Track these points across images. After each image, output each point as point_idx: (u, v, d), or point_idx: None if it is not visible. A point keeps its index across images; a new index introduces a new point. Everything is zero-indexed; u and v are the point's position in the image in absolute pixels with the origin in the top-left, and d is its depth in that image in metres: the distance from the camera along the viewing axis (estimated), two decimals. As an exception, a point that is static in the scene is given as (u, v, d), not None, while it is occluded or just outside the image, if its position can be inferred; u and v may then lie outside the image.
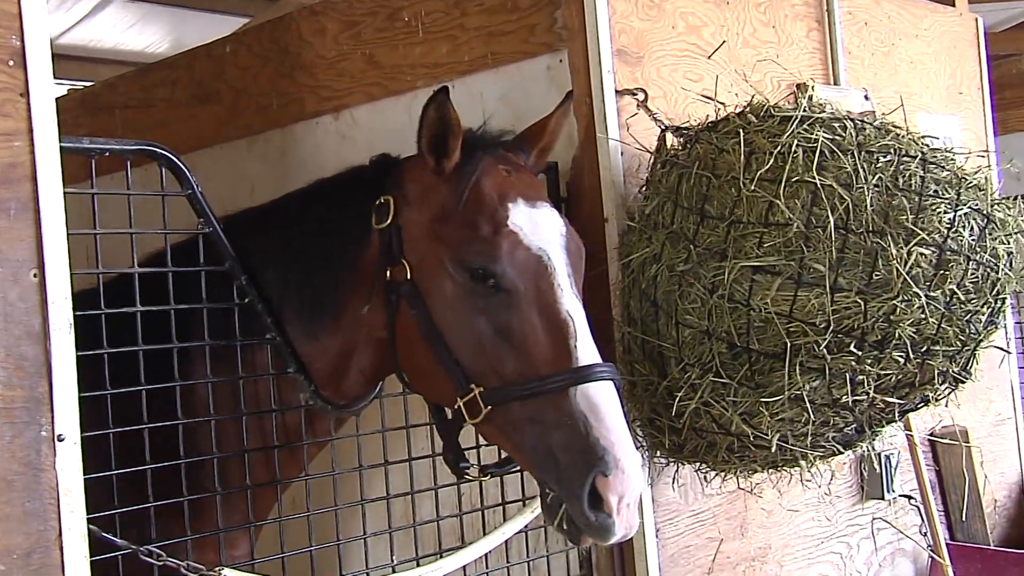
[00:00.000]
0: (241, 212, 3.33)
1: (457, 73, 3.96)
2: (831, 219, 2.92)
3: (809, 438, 3.02)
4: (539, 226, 2.93)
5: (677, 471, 3.59)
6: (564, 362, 2.78)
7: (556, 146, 3.33)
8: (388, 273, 3.01)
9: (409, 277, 2.97)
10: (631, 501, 2.69)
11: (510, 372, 2.82)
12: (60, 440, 2.37)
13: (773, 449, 3.03)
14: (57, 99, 2.48)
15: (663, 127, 3.56)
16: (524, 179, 3.07)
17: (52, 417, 2.36)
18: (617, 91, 3.62)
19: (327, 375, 3.18)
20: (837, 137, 3.06)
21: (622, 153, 3.60)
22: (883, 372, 2.91)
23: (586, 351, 2.81)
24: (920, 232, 2.91)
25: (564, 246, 2.96)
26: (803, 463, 3.16)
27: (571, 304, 2.86)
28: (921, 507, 4.51)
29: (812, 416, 2.95)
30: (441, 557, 3.26)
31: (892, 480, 4.37)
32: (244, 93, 4.71)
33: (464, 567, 3.32)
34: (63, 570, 2.35)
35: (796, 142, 3.02)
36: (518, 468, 3.24)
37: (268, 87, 4.60)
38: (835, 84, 4.38)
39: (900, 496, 4.47)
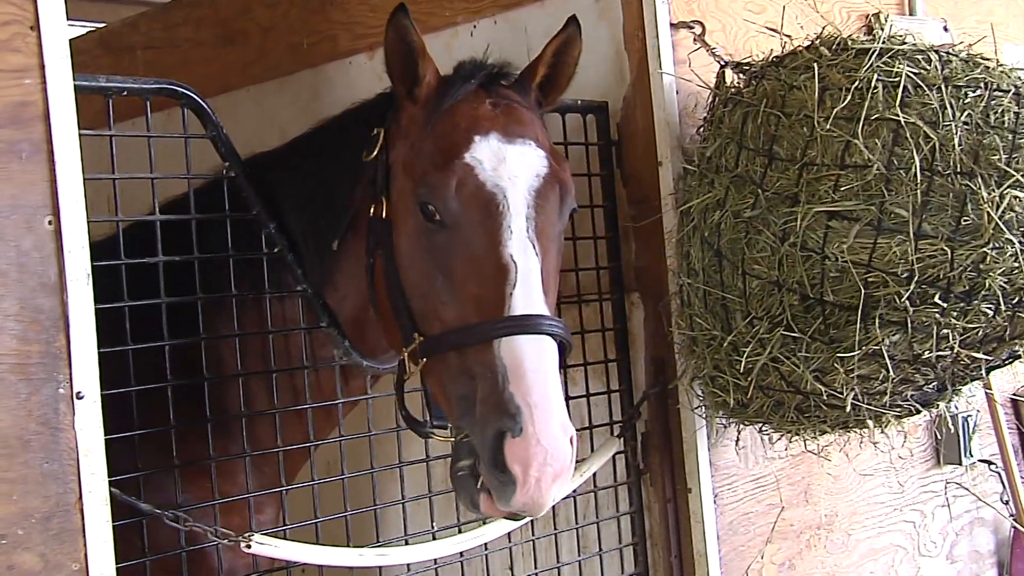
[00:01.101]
0: (258, 154, 3.23)
1: (499, 7, 3.88)
2: (916, 160, 2.81)
3: (887, 397, 2.93)
4: (505, 163, 2.74)
5: (739, 433, 3.49)
6: (495, 310, 2.61)
7: (568, 82, 3.08)
8: (372, 210, 2.90)
9: (385, 215, 2.86)
10: (540, 475, 2.46)
11: (448, 319, 2.68)
12: (79, 398, 2.31)
13: (847, 409, 2.94)
14: (74, 39, 2.39)
15: (723, 63, 3.46)
16: (513, 115, 2.87)
17: (70, 373, 2.30)
18: (672, 24, 3.53)
19: (350, 326, 3.09)
20: (921, 71, 2.94)
21: (677, 91, 3.52)
22: (969, 325, 2.81)
23: (524, 301, 2.61)
24: (1014, 173, 2.80)
25: (533, 188, 2.75)
26: (878, 424, 3.04)
27: (519, 248, 2.66)
28: (1002, 473, 4.41)
29: (891, 373, 2.86)
30: (484, 523, 3.17)
31: (970, 443, 4.27)
32: (273, 32, 4.63)
33: (508, 534, 3.25)
34: (84, 535, 2.31)
35: (876, 76, 2.91)
36: None
37: (298, 25, 4.51)
38: (911, 14, 4.25)
39: (979, 461, 4.37)
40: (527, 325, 2.58)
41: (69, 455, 2.29)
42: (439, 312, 2.71)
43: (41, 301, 2.28)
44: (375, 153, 2.91)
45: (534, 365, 2.54)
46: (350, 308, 3.08)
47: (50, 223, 2.30)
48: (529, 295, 2.62)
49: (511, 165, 2.74)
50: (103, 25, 5.58)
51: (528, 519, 2.78)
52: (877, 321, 2.81)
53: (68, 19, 2.37)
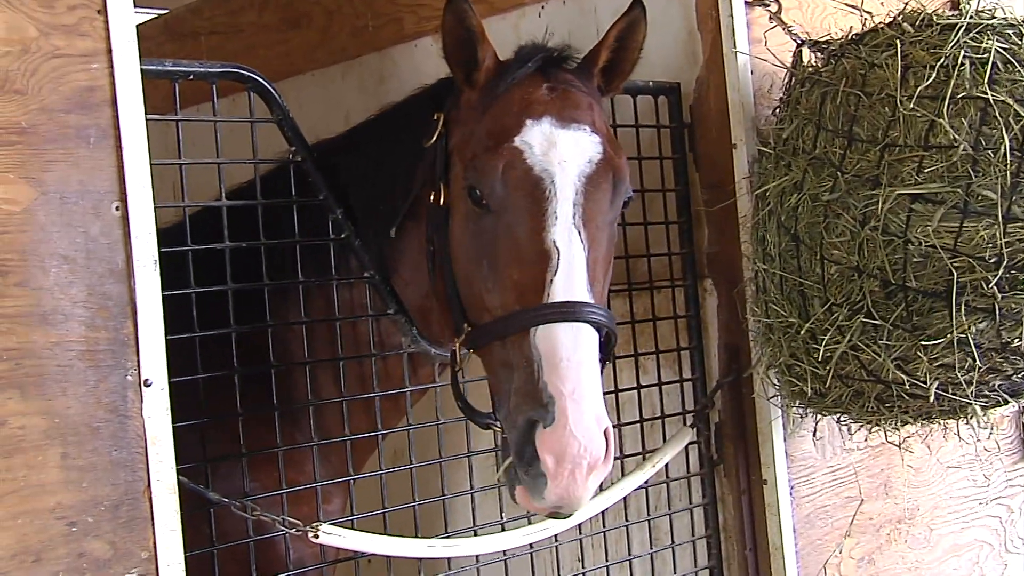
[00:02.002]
0: (323, 140, 3.23)
1: (568, -13, 3.83)
2: (1005, 139, 2.74)
3: (973, 386, 2.86)
4: (556, 147, 2.71)
5: (816, 423, 3.44)
6: (534, 298, 2.57)
7: (632, 67, 3.04)
8: (431, 197, 2.87)
9: (442, 202, 2.83)
10: (574, 467, 2.41)
11: (492, 307, 2.66)
12: (147, 385, 2.33)
13: (931, 399, 2.88)
14: (138, 25, 2.41)
15: (799, 41, 3.41)
16: (569, 100, 2.83)
17: (138, 360, 2.33)
18: (747, 2, 3.48)
19: (415, 314, 3.09)
20: (1011, 46, 2.87)
21: (752, 71, 3.48)
22: (1062, 312, 2.74)
23: (565, 288, 2.56)
24: (1110, 152, 2.72)
25: (584, 173, 2.71)
26: (963, 415, 2.97)
27: (563, 235, 2.62)
28: (1094, 466, 4.29)
29: (978, 362, 2.80)
30: (553, 515, 3.17)
31: (1060, 436, 4.16)
32: (337, 15, 4.64)
33: (579, 526, 3.24)
34: (152, 524, 2.33)
35: (962, 53, 2.85)
36: None
37: (363, 7, 4.52)
38: (998, -13, 4.11)
39: (1069, 454, 4.26)
40: (565, 312, 2.53)
41: (137, 443, 2.31)
42: (484, 300, 2.69)
43: (109, 287, 2.30)
44: (434, 139, 2.90)
45: (569, 354, 2.49)
46: (413, 296, 3.08)
47: (117, 209, 2.32)
48: (570, 282, 2.57)
49: (562, 149, 2.71)
50: (167, 11, 5.65)
51: (568, 517, 2.70)
52: (963, 308, 2.76)
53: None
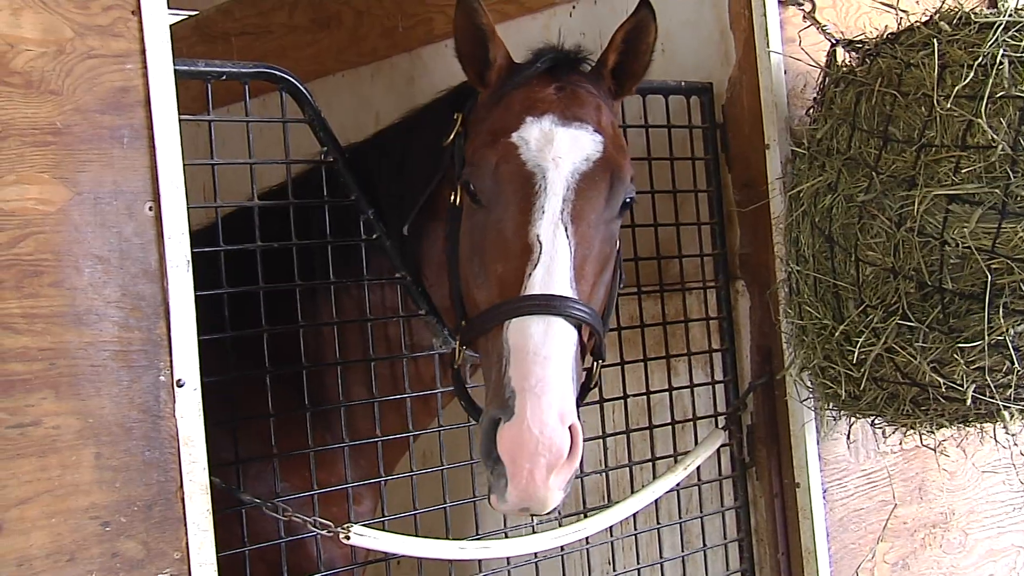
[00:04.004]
0: (356, 143, 3.24)
1: (599, -13, 3.82)
2: (1045, 139, 2.71)
3: (1011, 390, 2.84)
4: (552, 144, 2.70)
5: (850, 426, 3.41)
6: (512, 291, 2.55)
7: (643, 69, 2.99)
8: (451, 196, 2.87)
9: (457, 201, 2.84)
10: (532, 465, 2.35)
11: (480, 302, 2.66)
12: (180, 385, 2.34)
13: (967, 402, 2.85)
14: (170, 26, 2.40)
15: (834, 41, 3.39)
16: (575, 99, 2.82)
17: (171, 361, 2.34)
18: (780, 1, 3.45)
19: (443, 313, 3.09)
20: (1051, 45, 2.82)
21: (785, 71, 3.45)
22: (1103, 315, 2.70)
23: (543, 282, 2.54)
24: None
25: (579, 170, 2.70)
26: (1001, 418, 2.94)
27: (547, 230, 2.61)
28: None
29: (1016, 364, 2.77)
30: (585, 517, 3.16)
31: (1098, 440, 4.10)
32: (367, 16, 4.65)
33: (610, 529, 3.22)
34: (185, 524, 2.34)
35: (1001, 52, 2.81)
36: None
37: (393, 9, 4.53)
38: (1036, -15, 4.07)
39: (1109, 459, 4.21)
40: (538, 305, 2.50)
41: (170, 443, 2.32)
42: (475, 296, 2.69)
43: (142, 288, 2.31)
44: (451, 138, 2.90)
45: (536, 347, 2.44)
46: (439, 296, 3.08)
47: (151, 209, 2.33)
48: (550, 276, 2.55)
49: (558, 146, 2.70)
50: (197, 13, 5.68)
51: (540, 514, 2.59)
52: (1001, 310, 2.73)
53: (166, 5, 2.40)
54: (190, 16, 5.68)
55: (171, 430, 2.32)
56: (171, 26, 2.44)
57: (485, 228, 2.68)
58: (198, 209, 2.62)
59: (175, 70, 2.38)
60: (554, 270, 2.56)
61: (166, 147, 2.34)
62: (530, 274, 2.55)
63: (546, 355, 2.45)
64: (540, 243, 2.59)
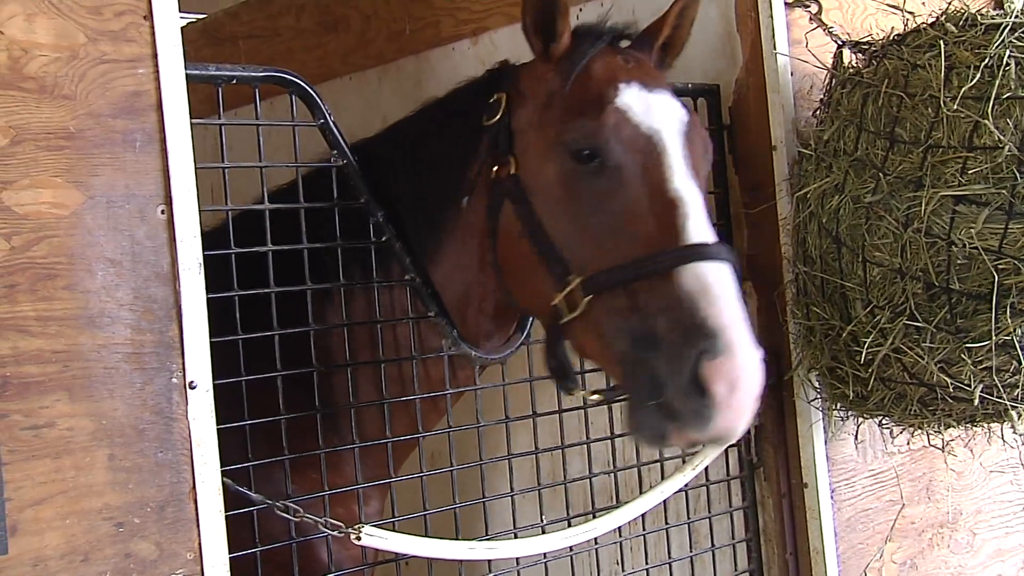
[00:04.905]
0: (361, 141, 3.25)
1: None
2: (1052, 140, 2.72)
3: (1018, 390, 2.85)
4: (652, 108, 2.85)
5: (858, 426, 3.42)
6: (671, 240, 2.66)
7: (684, 43, 3.17)
8: (494, 171, 2.97)
9: (513, 172, 2.93)
10: (744, 394, 2.49)
11: (612, 255, 2.72)
12: (192, 387, 2.36)
13: (975, 402, 2.86)
14: (178, 29, 2.42)
15: (840, 42, 3.41)
16: (644, 69, 2.99)
17: (183, 363, 2.35)
18: (787, 3, 3.47)
19: (454, 309, 3.12)
20: (1059, 46, 2.84)
21: (792, 73, 3.47)
22: (1109, 315, 2.71)
23: (698, 231, 2.68)
24: None
25: (683, 132, 2.86)
26: (1009, 418, 2.95)
27: (683, 183, 2.75)
28: None
29: (1023, 364, 2.77)
30: (594, 517, 3.17)
31: (1106, 439, 4.11)
32: (374, 18, 4.65)
33: (618, 529, 3.23)
34: (198, 524, 2.35)
35: (1007, 53, 2.83)
36: None
37: (400, 11, 4.53)
38: (1042, -14, 4.08)
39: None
40: (708, 253, 2.63)
41: (183, 444, 2.34)
42: (598, 250, 2.75)
43: (154, 290, 2.32)
44: (498, 117, 2.99)
45: (722, 290, 2.58)
46: (452, 294, 3.10)
47: (163, 212, 2.34)
48: (701, 226, 2.69)
49: (657, 111, 2.85)
50: (205, 16, 5.70)
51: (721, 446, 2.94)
52: (1008, 310, 2.74)
53: (176, 9, 2.42)
54: (197, 19, 5.69)
55: (183, 432, 2.34)
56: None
57: (613, 188, 2.76)
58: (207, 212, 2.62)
59: (186, 74, 2.40)
60: (701, 221, 2.71)
61: (178, 151, 2.36)
62: (685, 225, 2.67)
63: (731, 296, 2.59)
64: (683, 197, 2.72)
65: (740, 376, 2.48)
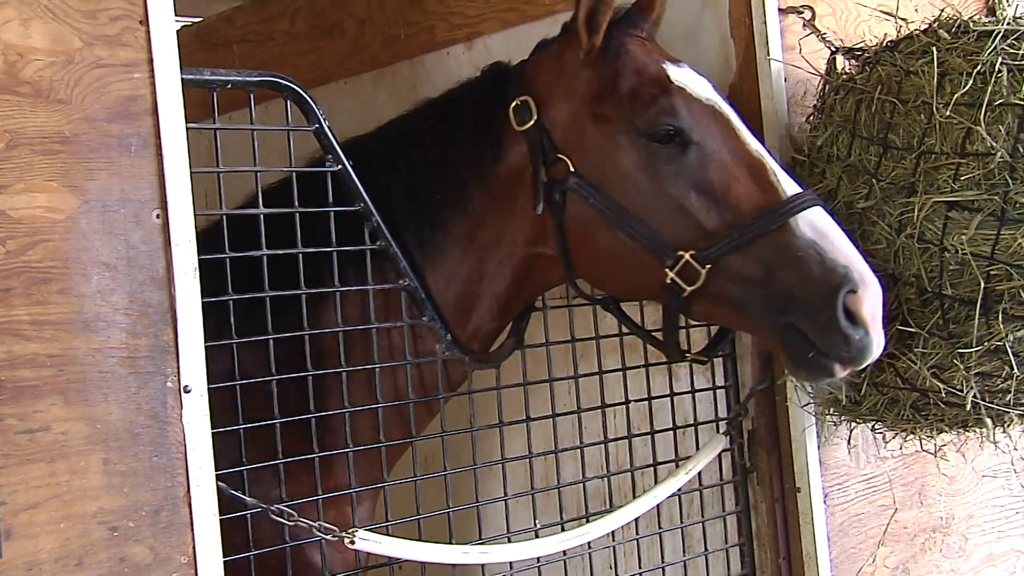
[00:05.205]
0: (350, 141, 3.24)
1: (601, -6, 3.81)
2: (1043, 146, 2.73)
3: (1010, 395, 2.86)
4: (699, 82, 3.03)
5: (851, 431, 3.43)
6: (772, 197, 2.83)
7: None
8: (544, 174, 3.02)
9: (573, 170, 2.97)
10: (879, 316, 2.73)
11: (718, 225, 2.85)
12: (187, 391, 2.36)
13: (967, 407, 2.88)
14: (172, 33, 2.43)
15: (834, 48, 3.40)
16: (660, 47, 3.14)
17: (178, 367, 2.35)
18: (780, 9, 3.47)
19: (453, 312, 3.13)
20: (1050, 52, 2.84)
21: (786, 79, 3.46)
22: (1100, 321, 2.72)
23: (788, 183, 2.86)
24: None
25: (725, 98, 3.06)
26: (999, 423, 2.96)
27: (756, 145, 2.95)
28: None
29: (1015, 370, 2.80)
30: (587, 522, 3.19)
31: (1097, 444, 4.12)
32: (369, 23, 4.65)
33: (612, 533, 3.24)
34: (192, 528, 2.35)
35: (999, 60, 2.84)
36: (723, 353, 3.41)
37: (395, 16, 4.53)
38: (1033, -6, 4.10)
39: (1109, 464, 4.22)
40: (807, 201, 2.81)
41: (177, 449, 2.34)
42: (703, 224, 2.87)
43: (149, 295, 2.33)
44: (532, 122, 3.03)
45: (835, 230, 2.78)
46: (460, 288, 3.13)
47: (158, 217, 2.34)
48: (787, 179, 2.89)
49: (702, 84, 3.03)
50: (199, 20, 5.70)
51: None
52: (1000, 316, 2.75)
53: (172, 14, 2.42)
54: (191, 23, 5.69)
55: (178, 436, 2.34)
56: (174, 34, 2.46)
57: (703, 161, 2.90)
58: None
59: (182, 79, 2.40)
60: (785, 174, 2.90)
61: (173, 155, 2.36)
62: (778, 180, 2.86)
63: (842, 232, 2.80)
64: (764, 156, 2.92)
65: (878, 300, 2.72)
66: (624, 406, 3.41)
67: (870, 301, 2.69)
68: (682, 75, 3.00)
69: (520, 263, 3.13)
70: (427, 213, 3.11)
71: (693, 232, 2.86)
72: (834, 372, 2.77)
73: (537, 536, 3.15)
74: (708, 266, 2.82)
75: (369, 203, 2.94)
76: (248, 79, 2.74)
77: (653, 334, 3.21)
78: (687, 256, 2.84)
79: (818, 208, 2.81)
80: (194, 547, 2.34)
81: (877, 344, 2.71)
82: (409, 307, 3.07)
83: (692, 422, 3.50)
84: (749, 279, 2.81)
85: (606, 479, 3.38)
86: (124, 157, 2.31)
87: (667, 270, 2.87)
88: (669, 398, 3.49)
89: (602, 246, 2.99)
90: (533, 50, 3.25)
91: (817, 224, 2.78)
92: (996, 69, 2.83)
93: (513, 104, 3.06)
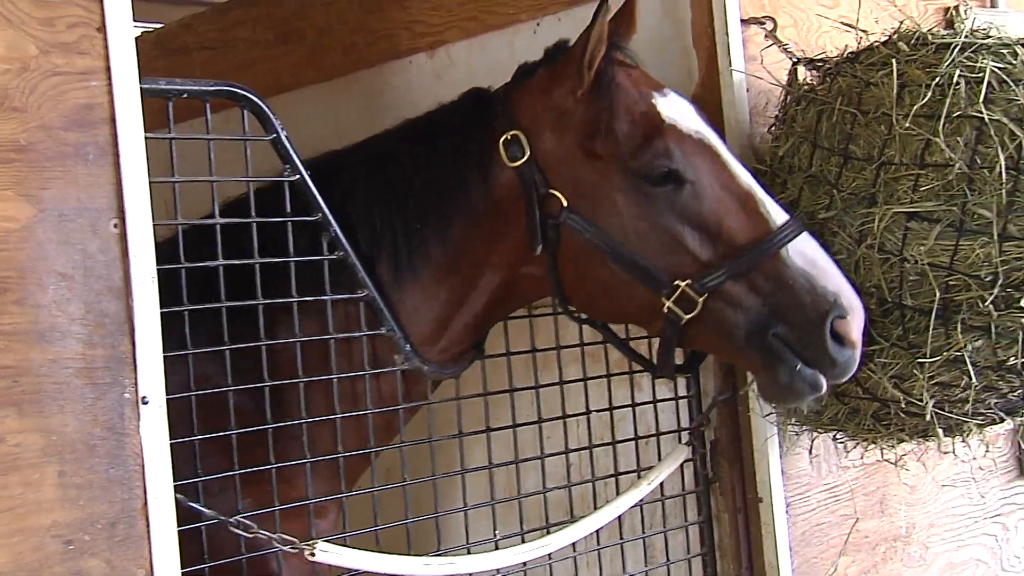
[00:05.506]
0: (324, 156, 3.25)
1: (563, 4, 3.86)
2: (1000, 158, 2.77)
3: (969, 405, 2.90)
4: (683, 112, 3.06)
5: (812, 441, 3.46)
6: (764, 227, 2.91)
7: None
8: (537, 210, 3.03)
9: (567, 205, 2.99)
10: (861, 335, 2.85)
11: (712, 257, 2.93)
12: (144, 403, 2.34)
13: (927, 417, 2.91)
14: (131, 41, 2.42)
15: (795, 59, 3.44)
16: (639, 72, 3.14)
17: (136, 378, 2.34)
18: (743, 20, 3.51)
19: (427, 330, 3.13)
20: (1006, 65, 2.89)
21: (748, 89, 3.50)
22: (1058, 331, 2.76)
23: (777, 212, 2.94)
24: (1106, 172, 2.75)
25: (707, 123, 3.08)
26: (959, 433, 3.00)
27: (744, 175, 3.00)
28: (1092, 486, 4.31)
29: (973, 380, 2.84)
30: (548, 533, 3.19)
31: (1056, 454, 4.18)
32: (329, 31, 4.65)
33: (573, 544, 3.25)
34: (149, 541, 2.33)
35: (957, 72, 2.88)
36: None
37: (356, 24, 4.53)
38: (992, 6, 4.19)
39: (1066, 472, 4.28)
40: (795, 229, 2.91)
41: (135, 460, 2.32)
42: (697, 256, 2.94)
43: (106, 305, 2.31)
44: (525, 158, 3.03)
45: (822, 256, 2.89)
46: (437, 310, 3.14)
47: (116, 226, 2.33)
48: (775, 207, 2.96)
49: (687, 116, 3.06)
50: (159, 26, 5.67)
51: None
52: (959, 326, 2.79)
53: (128, 21, 2.40)
54: (151, 30, 5.66)
55: (135, 447, 2.32)
56: (133, 41, 2.45)
57: (697, 198, 2.96)
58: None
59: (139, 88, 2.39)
60: (773, 202, 2.98)
61: (131, 164, 2.35)
62: (767, 211, 2.94)
63: (829, 258, 2.90)
64: (752, 186, 2.98)
65: (861, 323, 2.84)
66: (586, 416, 3.42)
67: (855, 324, 2.82)
68: (670, 108, 3.03)
69: (503, 284, 3.15)
70: (404, 236, 3.11)
71: (689, 264, 2.93)
72: (821, 384, 2.87)
73: (498, 547, 3.15)
74: (704, 295, 2.90)
75: (327, 213, 2.93)
76: (204, 89, 2.73)
77: (641, 355, 3.27)
78: (683, 286, 2.91)
79: (804, 235, 2.90)
80: (151, 560, 2.32)
81: (856, 358, 2.85)
82: (368, 318, 3.06)
83: (654, 432, 3.51)
84: (745, 306, 2.90)
85: (568, 489, 3.39)
86: (81, 166, 2.29)
87: (664, 299, 2.93)
88: (631, 408, 3.51)
89: (597, 278, 3.03)
90: (515, 74, 3.21)
91: (807, 252, 2.87)
92: (954, 81, 2.86)
93: (503, 138, 3.05)
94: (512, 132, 3.05)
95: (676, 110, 3.04)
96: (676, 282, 2.92)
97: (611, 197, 3.00)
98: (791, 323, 2.85)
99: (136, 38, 2.45)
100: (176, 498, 2.40)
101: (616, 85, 3.02)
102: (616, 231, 2.99)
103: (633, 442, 3.47)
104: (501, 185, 3.07)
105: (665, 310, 2.94)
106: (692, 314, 2.91)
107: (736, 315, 2.91)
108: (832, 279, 2.84)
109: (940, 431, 2.99)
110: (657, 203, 2.97)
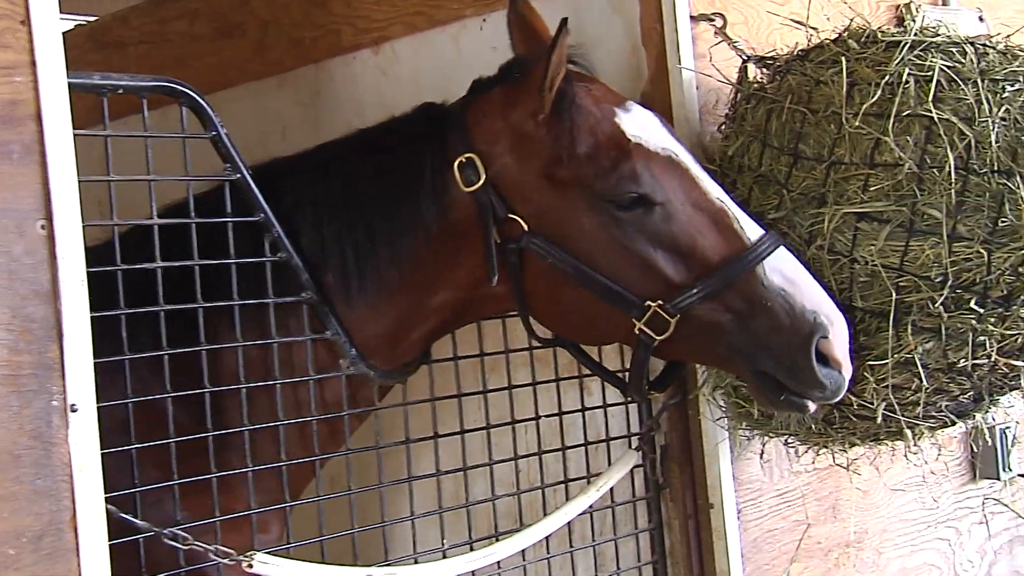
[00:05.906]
0: (271, 161, 3.22)
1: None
2: (950, 158, 2.80)
3: (920, 407, 2.92)
4: (648, 127, 2.98)
5: (764, 445, 3.47)
6: (738, 245, 2.85)
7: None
8: (496, 235, 2.97)
9: (529, 229, 2.94)
10: (848, 350, 2.80)
11: (685, 278, 2.87)
12: (73, 410, 2.30)
13: (878, 420, 2.93)
14: (63, 34, 2.37)
15: (745, 57, 3.46)
16: (599, 85, 3.08)
17: (64, 385, 2.29)
18: (692, 17, 3.52)
19: (380, 342, 3.10)
20: (956, 64, 2.92)
21: (697, 87, 3.51)
22: (1008, 332, 2.80)
23: (751, 228, 2.88)
24: (1055, 172, 2.78)
25: (674, 136, 3.02)
26: (910, 435, 3.03)
27: (715, 189, 2.94)
28: (1045, 488, 4.38)
29: (924, 382, 2.86)
30: (496, 541, 3.18)
31: (1008, 457, 4.24)
32: (272, 25, 4.62)
33: (522, 552, 3.24)
34: (78, 554, 2.29)
35: (907, 71, 2.90)
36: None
37: (300, 19, 4.51)
38: (943, 4, 4.22)
39: (1019, 475, 4.34)
40: (771, 243, 2.85)
41: (63, 470, 2.28)
42: (670, 276, 2.88)
43: (33, 309, 2.27)
44: (481, 183, 2.96)
45: (800, 272, 2.83)
46: (389, 325, 3.10)
47: (43, 228, 2.29)
48: (749, 222, 2.90)
49: (651, 128, 2.98)
50: (93, 19, 5.60)
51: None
52: (909, 328, 2.81)
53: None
54: (84, 23, 5.59)
55: (64, 457, 2.28)
56: (64, 34, 2.40)
57: (668, 218, 2.89)
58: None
59: (68, 83, 2.35)
60: (746, 217, 2.92)
61: (59, 163, 2.31)
62: (741, 227, 2.88)
63: (807, 273, 2.85)
64: (724, 202, 2.92)
65: (846, 338, 2.78)
66: (535, 422, 3.42)
67: (839, 342, 2.77)
68: (635, 126, 2.96)
69: (461, 302, 3.11)
70: (353, 250, 3.07)
71: (661, 286, 2.88)
72: (808, 409, 2.85)
73: (445, 556, 3.14)
74: (677, 316, 2.86)
75: (269, 213, 2.90)
76: (141, 84, 2.68)
77: (616, 374, 3.27)
78: (655, 307, 2.87)
79: (781, 250, 2.85)
80: (80, 573, 2.28)
81: (848, 378, 2.81)
82: (313, 324, 3.04)
83: (604, 437, 3.51)
84: (720, 327, 2.85)
85: (516, 497, 3.38)
86: (5, 165, 2.25)
87: (635, 321, 2.89)
88: (581, 413, 3.51)
89: (565, 301, 2.99)
90: (470, 89, 3.16)
91: (782, 269, 2.82)
92: (904, 80, 2.89)
93: (458, 161, 2.98)
94: (467, 155, 2.98)
95: (640, 126, 2.96)
96: (647, 303, 2.87)
97: (578, 222, 2.93)
98: (773, 349, 2.79)
99: (67, 31, 2.42)
100: (107, 509, 2.36)
101: (577, 107, 2.95)
102: (584, 255, 2.92)
103: (583, 448, 3.48)
104: (456, 208, 3.00)
105: (637, 331, 2.90)
106: (664, 335, 2.87)
107: (712, 337, 2.87)
108: (810, 296, 2.79)
109: (908, 432, 3.00)
110: (626, 227, 2.90)
